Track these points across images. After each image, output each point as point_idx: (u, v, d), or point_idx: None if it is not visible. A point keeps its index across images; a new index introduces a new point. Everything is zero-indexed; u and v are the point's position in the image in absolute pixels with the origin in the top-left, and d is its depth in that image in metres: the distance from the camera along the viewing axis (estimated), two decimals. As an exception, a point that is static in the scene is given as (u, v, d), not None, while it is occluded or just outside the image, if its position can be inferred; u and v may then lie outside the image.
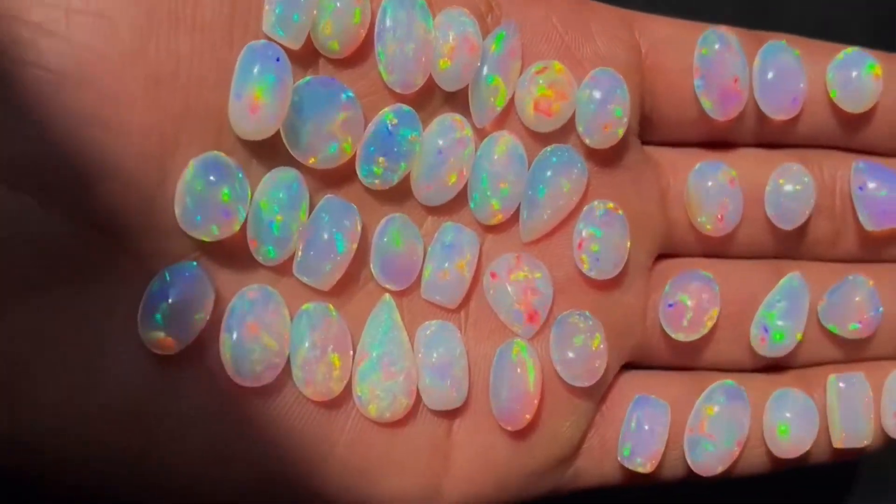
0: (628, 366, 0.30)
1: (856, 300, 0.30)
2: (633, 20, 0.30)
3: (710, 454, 0.29)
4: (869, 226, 0.31)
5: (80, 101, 0.23)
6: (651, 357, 0.30)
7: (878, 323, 0.30)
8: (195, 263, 0.25)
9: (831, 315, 0.30)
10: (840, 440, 0.30)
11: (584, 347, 0.28)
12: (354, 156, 0.26)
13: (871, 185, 0.31)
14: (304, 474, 0.26)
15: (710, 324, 0.29)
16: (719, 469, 0.29)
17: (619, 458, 0.29)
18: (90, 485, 0.25)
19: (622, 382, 0.30)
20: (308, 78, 0.26)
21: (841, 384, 0.30)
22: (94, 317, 0.24)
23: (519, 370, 0.27)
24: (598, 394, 0.29)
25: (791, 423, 0.29)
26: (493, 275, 0.28)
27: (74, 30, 0.23)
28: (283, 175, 0.26)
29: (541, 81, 0.28)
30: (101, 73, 0.23)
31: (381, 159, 0.26)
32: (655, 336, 0.30)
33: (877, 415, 0.30)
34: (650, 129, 0.30)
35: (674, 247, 0.31)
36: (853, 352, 0.31)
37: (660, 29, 0.30)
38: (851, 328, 0.30)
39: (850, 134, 0.31)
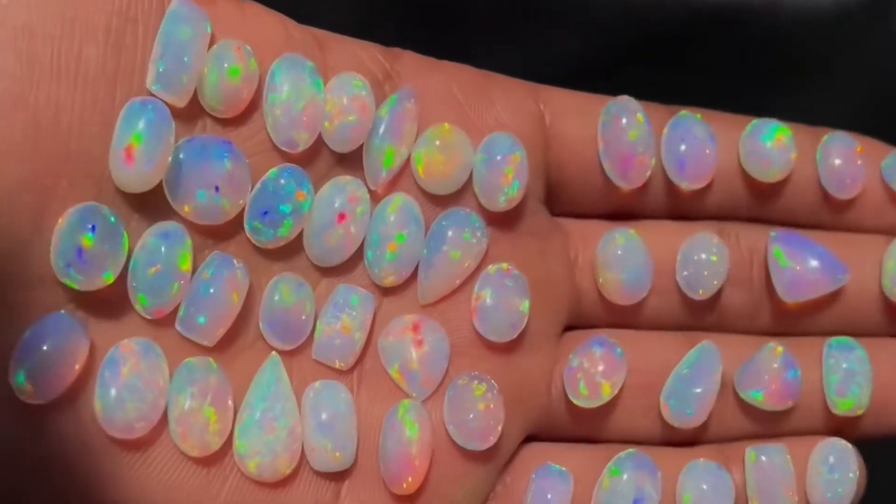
0: (535, 439, 0.29)
1: (769, 366, 0.29)
2: (538, 91, 0.30)
3: (619, 527, 0.28)
4: (786, 297, 0.30)
5: None
6: (556, 428, 0.29)
7: (794, 387, 0.29)
8: (64, 314, 0.24)
9: (744, 384, 0.29)
10: (759, 517, 0.28)
11: (478, 409, 0.27)
12: (242, 214, 0.27)
13: (786, 255, 0.30)
14: None
15: (611, 389, 0.28)
16: (629, 544, 0.28)
17: (520, 531, 0.28)
18: None
19: (526, 454, 0.29)
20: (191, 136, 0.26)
21: (760, 456, 0.29)
22: None
23: (402, 430, 0.27)
24: (495, 461, 0.28)
25: (704, 495, 0.28)
26: (387, 334, 0.28)
27: None
28: (163, 227, 0.26)
29: (435, 143, 0.28)
30: None
31: (267, 216, 0.26)
32: (561, 407, 0.29)
33: (801, 491, 0.29)
34: (558, 200, 0.30)
35: (583, 317, 0.30)
36: (774, 426, 0.30)
37: (565, 99, 0.30)
38: (757, 396, 0.29)
39: (766, 205, 0.31)
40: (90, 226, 0.24)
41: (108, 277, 0.25)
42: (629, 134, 0.29)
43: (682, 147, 0.30)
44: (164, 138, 0.25)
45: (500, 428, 0.27)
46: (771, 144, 0.30)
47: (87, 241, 0.24)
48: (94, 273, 0.24)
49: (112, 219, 0.25)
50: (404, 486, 0.26)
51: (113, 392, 0.24)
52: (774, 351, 0.29)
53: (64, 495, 0.24)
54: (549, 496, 0.28)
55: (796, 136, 0.31)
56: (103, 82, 0.24)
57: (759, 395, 0.29)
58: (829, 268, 0.30)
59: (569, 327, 0.30)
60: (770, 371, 0.29)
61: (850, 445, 0.29)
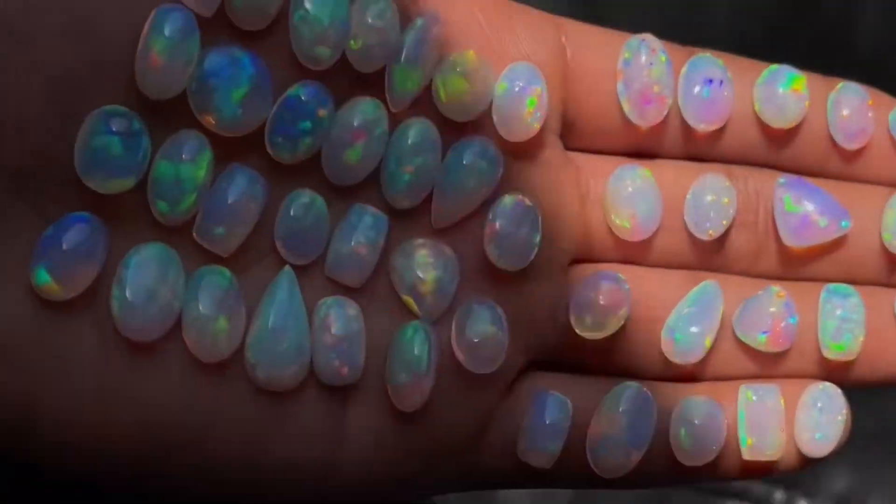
0: (538, 367, 0.30)
1: (770, 310, 0.30)
2: (561, 24, 0.30)
3: (612, 457, 0.29)
4: (790, 242, 0.31)
5: None
6: (558, 358, 0.30)
7: (791, 333, 0.30)
8: (89, 215, 0.25)
9: (744, 325, 0.30)
10: (748, 451, 0.29)
11: (484, 334, 0.28)
12: (263, 128, 0.27)
13: (793, 201, 0.30)
14: (189, 438, 0.26)
15: (617, 322, 0.29)
16: (621, 472, 0.29)
17: (517, 453, 0.28)
18: None
19: (528, 381, 0.29)
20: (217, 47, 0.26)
21: (752, 394, 0.30)
22: None
23: (411, 349, 0.27)
24: (497, 385, 0.29)
25: (696, 430, 0.29)
26: (399, 255, 0.28)
27: None
28: (185, 135, 0.26)
29: (458, 70, 0.28)
30: (16, 17, 0.23)
31: (288, 131, 0.27)
32: (564, 337, 0.30)
33: (790, 431, 0.30)
34: (573, 135, 0.31)
35: (591, 252, 0.31)
36: (769, 367, 0.31)
37: (587, 33, 0.31)
38: (760, 339, 0.30)
39: (777, 151, 0.32)
40: (113, 129, 0.24)
41: (129, 181, 0.25)
42: (650, 71, 0.30)
43: (700, 89, 0.30)
44: (189, 44, 0.25)
45: (504, 354, 0.28)
46: (786, 92, 0.30)
47: (109, 144, 0.24)
48: (115, 176, 0.25)
49: (135, 123, 0.25)
50: (410, 403, 0.27)
51: (129, 294, 0.25)
52: (777, 295, 0.30)
53: (78, 395, 0.25)
54: (546, 422, 0.28)
55: (809, 84, 0.31)
56: None
57: (762, 338, 0.30)
58: (834, 215, 0.31)
59: (576, 261, 0.31)
60: (770, 315, 0.30)
61: (839, 390, 0.30)
